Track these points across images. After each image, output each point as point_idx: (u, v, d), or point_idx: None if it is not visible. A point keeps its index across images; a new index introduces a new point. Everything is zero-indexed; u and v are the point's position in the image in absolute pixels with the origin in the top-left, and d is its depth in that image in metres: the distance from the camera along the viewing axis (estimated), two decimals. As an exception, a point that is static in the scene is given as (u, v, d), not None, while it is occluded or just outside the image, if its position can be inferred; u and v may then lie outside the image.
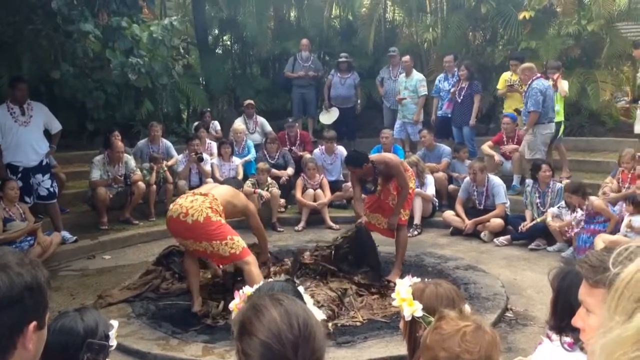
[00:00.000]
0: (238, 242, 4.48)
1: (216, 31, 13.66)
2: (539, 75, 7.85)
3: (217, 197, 4.60)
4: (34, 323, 1.26)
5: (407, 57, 9.56)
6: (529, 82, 7.71)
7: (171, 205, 4.70)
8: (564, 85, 8.18)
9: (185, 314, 4.77)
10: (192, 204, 4.46)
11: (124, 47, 6.94)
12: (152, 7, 8.69)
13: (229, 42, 14.00)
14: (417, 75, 9.52)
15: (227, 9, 12.48)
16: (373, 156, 5.80)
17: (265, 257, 5.36)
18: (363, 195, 5.92)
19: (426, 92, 9.44)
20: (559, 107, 8.10)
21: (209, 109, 10.45)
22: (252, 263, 4.48)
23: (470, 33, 11.98)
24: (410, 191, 5.78)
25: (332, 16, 13.13)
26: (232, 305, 2.08)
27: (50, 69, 7.63)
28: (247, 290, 2.09)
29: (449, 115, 9.30)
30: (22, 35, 7.47)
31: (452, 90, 9.13)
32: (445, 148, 8.60)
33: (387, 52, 10.28)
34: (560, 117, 8.10)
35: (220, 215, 4.53)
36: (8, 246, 5.67)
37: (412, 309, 1.96)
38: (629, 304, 1.00)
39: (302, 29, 12.32)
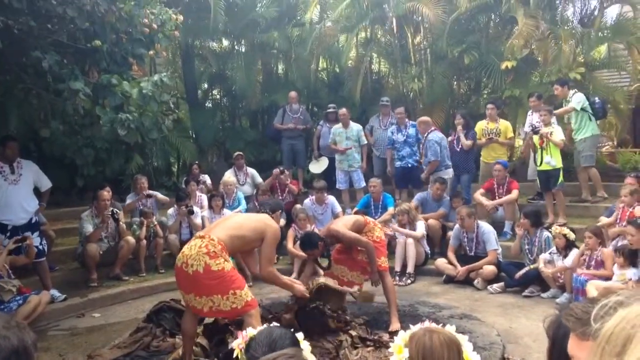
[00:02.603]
0: (240, 296, 4.21)
1: (205, 85, 13.89)
2: (433, 128, 9.08)
3: (213, 237, 4.31)
4: None
5: (343, 110, 9.84)
6: (425, 135, 8.98)
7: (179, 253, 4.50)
8: (556, 136, 8.13)
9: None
10: (190, 252, 4.24)
11: (114, 103, 6.98)
12: (142, 64, 8.80)
13: (218, 96, 14.21)
14: (355, 126, 9.85)
15: (215, 64, 12.71)
16: (321, 232, 5.88)
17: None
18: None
19: (366, 142, 9.86)
20: (551, 156, 8.09)
21: (197, 162, 10.50)
22: (253, 316, 4.23)
23: (455, 82, 12.25)
24: (379, 240, 5.78)
25: (319, 69, 13.39)
26: (235, 345, 2.15)
27: (40, 128, 7.67)
28: (250, 332, 2.12)
29: (409, 166, 9.47)
30: (11, 94, 7.53)
31: (449, 139, 9.29)
32: (447, 198, 8.64)
33: (380, 101, 10.50)
34: (558, 164, 8.14)
35: (222, 257, 4.23)
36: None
37: (399, 357, 1.94)
38: (611, 359, 1.00)
39: (290, 82, 12.54)
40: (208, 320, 4.90)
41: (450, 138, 9.30)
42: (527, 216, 7.15)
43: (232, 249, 4.43)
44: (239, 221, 4.72)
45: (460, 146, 9.11)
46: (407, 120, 9.68)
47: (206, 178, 10.07)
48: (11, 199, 6.48)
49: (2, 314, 1.33)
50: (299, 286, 4.94)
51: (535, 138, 8.23)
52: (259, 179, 9.85)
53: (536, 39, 10.19)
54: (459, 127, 9.12)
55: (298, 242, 8.01)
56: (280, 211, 5.29)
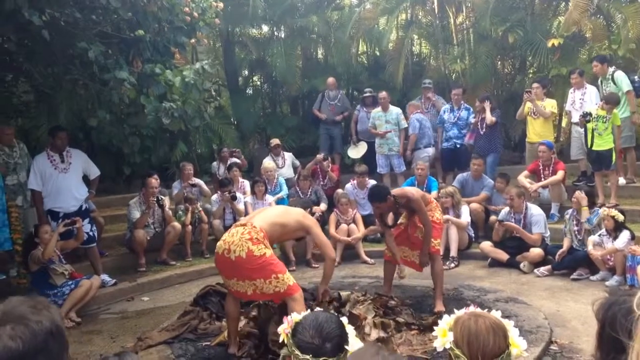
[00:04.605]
0: (283, 280, 4.27)
1: (246, 72, 13.98)
2: (418, 111, 9.83)
3: (255, 225, 4.40)
4: None
5: (383, 94, 9.79)
6: (410, 115, 9.74)
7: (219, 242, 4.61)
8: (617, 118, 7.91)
9: (224, 354, 4.75)
10: (232, 239, 4.33)
11: (158, 92, 7.12)
12: (183, 53, 8.91)
13: (258, 83, 14.29)
14: (395, 109, 9.79)
15: (256, 51, 12.76)
16: (394, 191, 5.72)
17: (324, 285, 4.87)
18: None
19: (406, 125, 9.76)
20: (608, 135, 7.84)
21: (225, 147, 10.48)
22: (297, 300, 4.28)
23: (499, 62, 11.98)
24: (437, 221, 5.76)
25: (359, 52, 13.30)
26: (280, 330, 2.16)
27: (88, 117, 7.87)
28: (295, 316, 2.13)
29: (458, 146, 9.46)
30: (60, 85, 7.74)
31: (473, 121, 9.30)
32: (489, 181, 8.50)
33: (422, 84, 10.38)
34: (609, 145, 7.85)
35: (264, 243, 4.31)
36: (50, 291, 5.80)
37: (443, 340, 1.94)
38: None
39: (329, 66, 12.50)
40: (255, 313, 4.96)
41: (474, 120, 9.31)
42: (588, 195, 6.96)
43: (272, 237, 4.50)
44: (279, 211, 4.95)
45: (484, 127, 9.08)
46: (462, 102, 9.60)
47: (235, 160, 9.89)
48: (62, 187, 6.69)
49: (26, 299, 1.35)
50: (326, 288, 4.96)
51: (589, 125, 7.92)
52: (297, 162, 9.92)
53: (588, 14, 9.84)
54: (486, 105, 9.06)
55: (340, 225, 8.03)
56: (308, 209, 5.51)
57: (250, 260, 4.24)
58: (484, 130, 9.12)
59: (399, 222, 5.92)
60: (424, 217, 5.51)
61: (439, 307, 5.39)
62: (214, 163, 10.03)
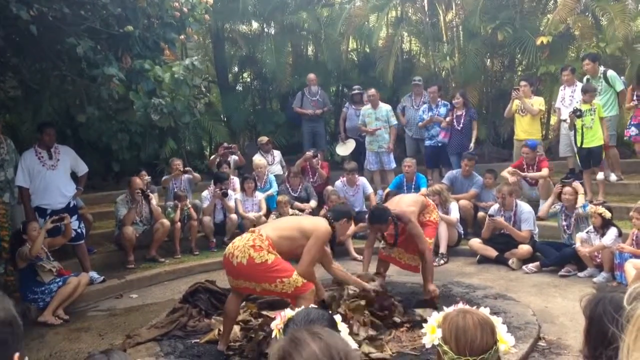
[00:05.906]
0: (289, 282, 4.24)
1: (236, 69, 13.94)
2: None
3: (262, 233, 4.39)
4: (17, 354, 1.26)
5: (372, 91, 9.74)
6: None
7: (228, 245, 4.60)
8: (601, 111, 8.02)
9: (213, 352, 4.74)
10: (239, 244, 4.35)
11: (147, 88, 7.06)
12: (173, 49, 8.86)
13: (248, 79, 14.25)
14: (385, 106, 9.76)
15: (246, 47, 12.72)
16: (394, 210, 5.54)
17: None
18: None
19: (397, 122, 9.76)
20: (597, 127, 7.89)
21: (224, 143, 10.44)
22: (306, 298, 4.20)
23: (488, 60, 12.02)
24: (434, 221, 5.78)
25: (349, 49, 13.29)
26: (273, 325, 2.18)
27: (76, 113, 7.81)
28: (288, 313, 2.13)
29: (440, 145, 9.47)
30: (48, 81, 7.67)
31: (447, 119, 9.30)
32: (479, 178, 8.53)
33: (412, 81, 10.40)
34: (599, 141, 7.88)
35: (267, 250, 4.26)
36: (38, 288, 5.75)
37: (432, 337, 1.95)
38: None
39: (320, 63, 12.48)
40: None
41: (448, 118, 9.30)
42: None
43: (281, 249, 4.39)
44: (289, 221, 4.85)
45: (461, 125, 9.11)
46: (439, 99, 9.61)
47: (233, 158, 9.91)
48: (49, 183, 6.65)
49: None
50: (324, 293, 4.98)
51: (578, 121, 7.97)
52: (283, 162, 9.96)
53: (576, 13, 9.90)
54: (458, 106, 9.09)
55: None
56: (345, 220, 4.85)
57: (250, 267, 4.23)
58: (461, 126, 9.15)
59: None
60: (422, 244, 5.47)
61: (433, 289, 5.46)
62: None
